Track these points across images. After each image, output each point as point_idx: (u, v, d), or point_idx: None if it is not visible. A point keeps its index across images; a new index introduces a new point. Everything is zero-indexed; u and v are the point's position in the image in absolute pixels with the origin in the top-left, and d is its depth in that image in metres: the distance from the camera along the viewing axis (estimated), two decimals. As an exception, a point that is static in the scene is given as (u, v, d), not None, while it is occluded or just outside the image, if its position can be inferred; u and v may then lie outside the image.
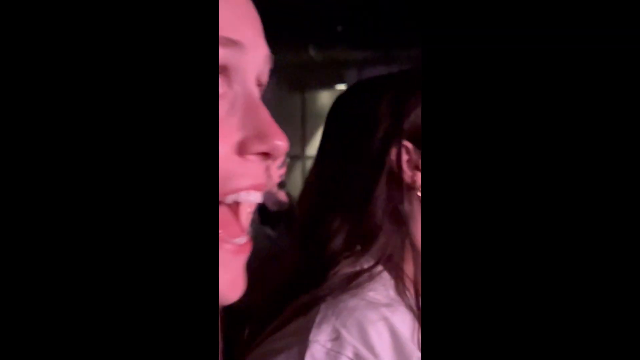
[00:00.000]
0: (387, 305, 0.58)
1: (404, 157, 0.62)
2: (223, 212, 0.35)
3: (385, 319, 0.56)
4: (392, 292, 0.60)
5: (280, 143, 0.35)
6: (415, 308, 0.59)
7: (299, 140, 5.67)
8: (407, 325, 0.58)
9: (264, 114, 0.36)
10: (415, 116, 0.62)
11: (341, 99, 0.72)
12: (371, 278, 0.60)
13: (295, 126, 5.68)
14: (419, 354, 0.55)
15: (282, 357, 0.56)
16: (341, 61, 5.52)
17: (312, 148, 5.87)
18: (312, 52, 5.14)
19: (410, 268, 0.62)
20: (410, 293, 0.60)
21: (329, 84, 5.85)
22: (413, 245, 0.62)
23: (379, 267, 0.61)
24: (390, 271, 0.61)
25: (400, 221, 0.62)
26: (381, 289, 0.59)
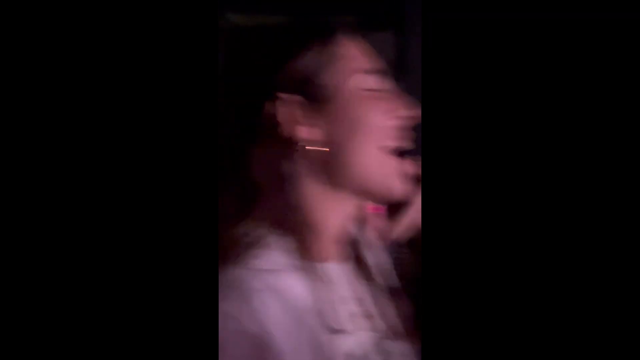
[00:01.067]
0: (273, 271, 0.54)
1: (280, 109, 0.58)
2: None
3: (275, 289, 0.53)
4: (280, 258, 0.56)
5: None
6: (311, 272, 0.56)
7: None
8: (299, 292, 0.54)
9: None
10: (294, 67, 0.59)
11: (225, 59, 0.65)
12: (255, 244, 0.56)
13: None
14: (312, 325, 0.54)
15: None
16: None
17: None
18: (228, 16, 4.86)
19: (303, 232, 0.57)
20: (306, 257, 0.56)
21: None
22: (300, 208, 0.58)
23: (264, 231, 0.57)
24: (281, 235, 0.57)
25: (284, 181, 0.58)
26: (266, 255, 0.55)
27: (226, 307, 0.51)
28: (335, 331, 0.55)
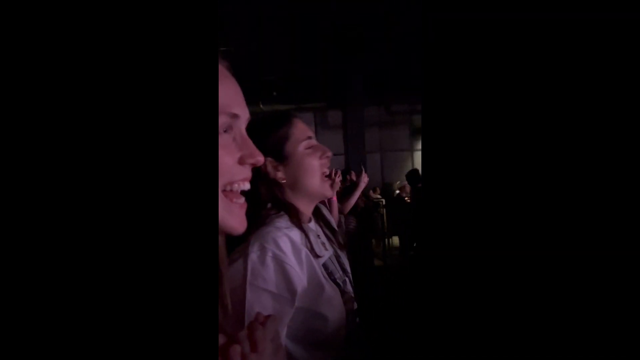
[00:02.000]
0: (287, 227, 1.12)
1: (268, 165, 1.19)
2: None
3: (286, 234, 1.08)
4: (288, 222, 1.15)
5: (260, 158, 0.67)
6: (301, 229, 1.15)
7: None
8: (298, 237, 1.11)
9: (251, 143, 0.68)
10: (274, 141, 1.19)
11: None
12: (277, 217, 1.15)
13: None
14: (306, 250, 1.09)
15: (236, 263, 1.04)
16: (277, 111, 9.30)
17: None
18: (261, 106, 9.66)
19: (294, 211, 1.18)
20: (297, 222, 1.16)
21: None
22: (287, 202, 1.19)
23: (281, 212, 1.17)
24: (286, 212, 1.17)
25: (278, 193, 1.20)
26: (282, 221, 1.14)
27: (266, 245, 1.05)
28: (316, 255, 1.13)
